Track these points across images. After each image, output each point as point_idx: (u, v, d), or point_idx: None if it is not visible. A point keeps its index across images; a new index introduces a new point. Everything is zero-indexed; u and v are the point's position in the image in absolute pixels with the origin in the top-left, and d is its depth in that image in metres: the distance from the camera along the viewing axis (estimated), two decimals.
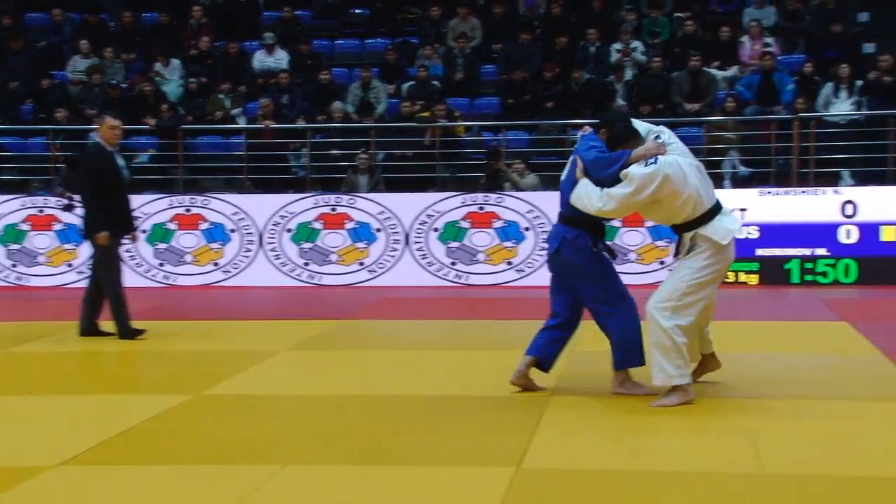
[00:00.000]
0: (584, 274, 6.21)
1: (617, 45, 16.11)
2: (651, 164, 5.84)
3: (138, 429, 5.72)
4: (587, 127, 6.50)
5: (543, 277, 12.09)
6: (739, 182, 14.62)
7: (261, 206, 13.17)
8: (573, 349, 7.91)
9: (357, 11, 18.28)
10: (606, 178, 5.94)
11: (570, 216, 6.24)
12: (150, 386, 7.14)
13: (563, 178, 6.34)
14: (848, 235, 11.56)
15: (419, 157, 14.92)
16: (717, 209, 6.02)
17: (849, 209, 11.57)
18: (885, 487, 4.53)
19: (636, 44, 16.11)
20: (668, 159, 5.88)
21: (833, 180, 14.01)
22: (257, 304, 11.73)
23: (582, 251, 6.19)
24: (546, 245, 6.64)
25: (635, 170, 5.86)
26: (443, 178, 14.83)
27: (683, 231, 6.03)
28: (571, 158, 6.31)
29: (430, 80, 15.79)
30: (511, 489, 4.54)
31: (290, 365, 7.82)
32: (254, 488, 4.60)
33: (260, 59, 16.33)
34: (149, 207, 13.02)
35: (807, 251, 11.60)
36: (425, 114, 15.08)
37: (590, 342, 8.24)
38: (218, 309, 11.19)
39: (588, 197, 5.98)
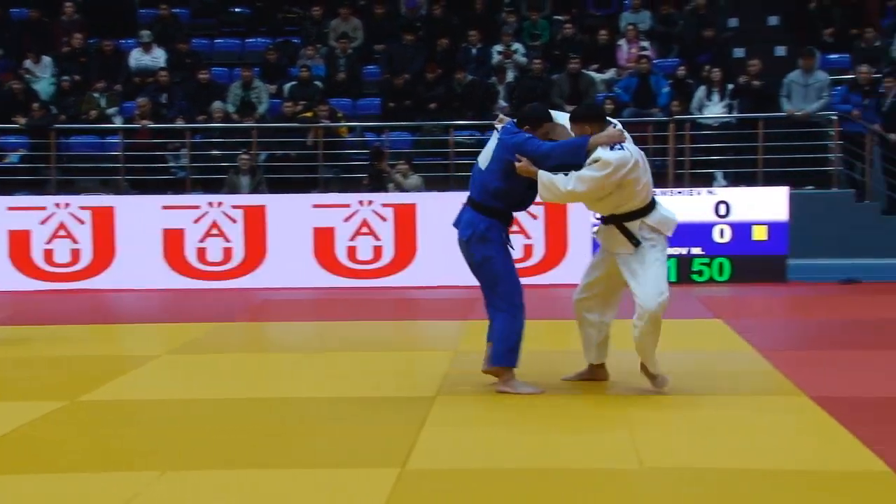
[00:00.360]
0: (491, 265, 6.21)
1: (498, 47, 16.26)
2: (618, 149, 5.91)
3: (11, 436, 5.54)
4: (503, 117, 6.52)
5: (418, 277, 12.20)
6: None
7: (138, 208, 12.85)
8: (457, 348, 7.97)
9: (237, 10, 18.05)
10: (567, 164, 5.97)
11: (484, 205, 6.26)
12: (23, 393, 6.89)
13: (479, 163, 6.34)
14: (722, 235, 11.88)
15: (302, 158, 14.81)
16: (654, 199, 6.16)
17: (722, 209, 11.89)
18: (759, 479, 4.67)
19: (517, 46, 16.29)
20: (631, 146, 5.99)
21: (707, 181, 14.39)
22: (136, 307, 11.47)
23: (493, 243, 6.23)
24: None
25: (607, 154, 5.91)
26: (326, 179, 14.74)
27: (627, 220, 6.08)
28: (490, 145, 6.30)
29: (312, 80, 15.69)
30: (395, 490, 4.53)
31: (169, 369, 7.67)
32: (133, 495, 4.50)
33: (136, 58, 15.99)
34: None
35: (683, 250, 11.89)
36: (308, 114, 14.97)
37: (472, 342, 8.30)
38: (93, 313, 10.89)
39: (553, 184, 5.99)
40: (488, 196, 6.27)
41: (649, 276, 6.05)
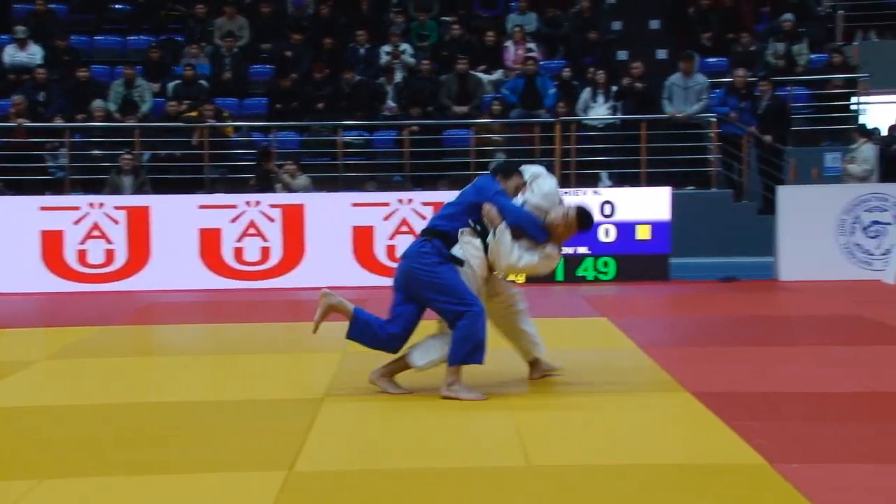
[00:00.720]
0: (437, 275, 6.25)
1: (386, 48, 16.26)
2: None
3: None
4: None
5: (307, 278, 12.09)
6: None
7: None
8: (345, 349, 7.94)
9: (118, 7, 17.67)
10: (522, 230, 6.22)
11: (430, 228, 6.41)
12: None
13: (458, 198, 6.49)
14: (607, 234, 12.09)
15: (187, 158, 14.57)
16: None
17: (607, 209, 12.10)
18: (642, 474, 4.77)
19: (405, 46, 16.31)
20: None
21: (593, 181, 14.64)
22: (14, 311, 11.12)
23: (430, 255, 6.27)
24: None
25: (554, 252, 6.32)
26: (212, 180, 14.53)
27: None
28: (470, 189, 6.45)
29: (196, 79, 15.45)
30: (282, 493, 4.50)
31: (48, 374, 7.46)
32: None
33: (11, 54, 15.53)
34: None
35: (569, 250, 12.06)
36: (192, 113, 14.74)
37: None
38: None
39: (507, 244, 6.18)
40: (438, 219, 6.43)
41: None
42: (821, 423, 5.58)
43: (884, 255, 11.91)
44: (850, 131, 14.43)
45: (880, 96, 18.62)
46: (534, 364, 6.71)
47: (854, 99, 16.50)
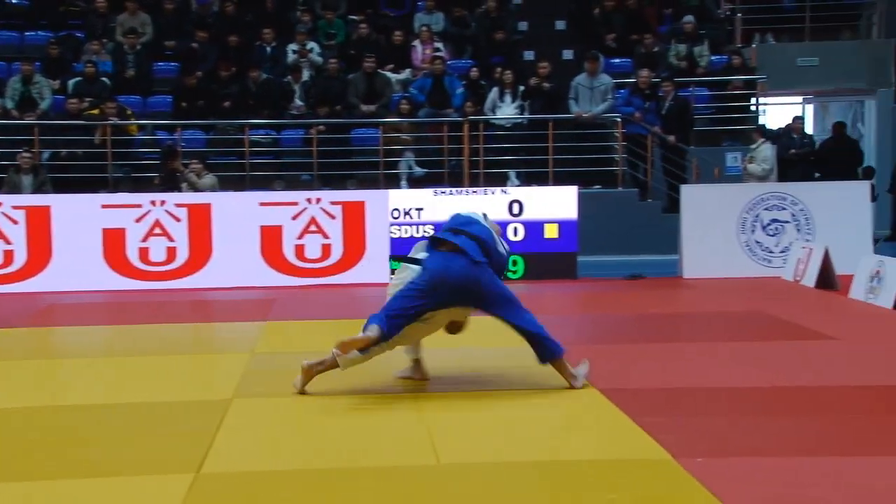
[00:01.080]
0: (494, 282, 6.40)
1: (293, 46, 16.14)
2: None
3: None
4: None
5: (214, 278, 11.94)
6: (415, 182, 15.08)
7: None
8: (253, 350, 7.86)
9: (14, 2, 17.23)
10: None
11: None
12: None
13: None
14: (515, 233, 12.18)
15: (89, 157, 14.27)
16: None
17: (515, 208, 12.19)
18: (551, 471, 4.81)
19: (312, 45, 16.21)
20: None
21: (501, 181, 14.74)
22: None
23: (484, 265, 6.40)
24: None
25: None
26: (115, 179, 14.26)
27: None
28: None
29: (98, 76, 15.15)
30: (189, 495, 4.44)
31: None
32: None
33: None
34: None
35: None
36: (94, 111, 14.45)
37: (269, 344, 8.22)
38: None
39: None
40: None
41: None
42: (724, 417, 5.70)
43: (783, 252, 12.23)
44: (750, 131, 14.77)
45: (777, 97, 19.13)
46: (416, 364, 6.70)
47: (753, 100, 16.92)
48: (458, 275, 6.14)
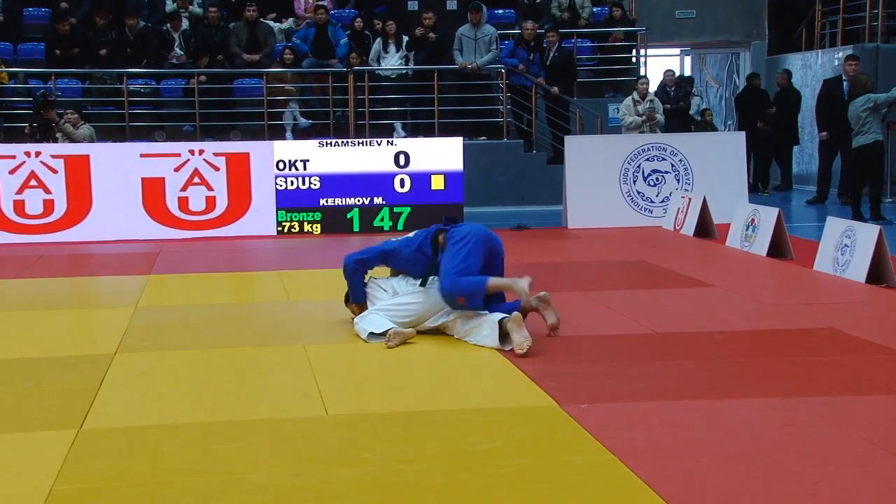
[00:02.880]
0: None
1: None
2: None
3: None
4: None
5: (94, 231, 11.68)
6: (300, 133, 14.94)
7: None
8: (137, 304, 7.74)
9: None
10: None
11: None
12: None
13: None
14: (402, 185, 12.18)
15: None
16: None
17: (402, 159, 12.19)
18: (437, 419, 4.88)
19: None
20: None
21: (387, 132, 14.70)
22: None
23: None
24: None
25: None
26: None
27: None
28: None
29: None
30: (72, 452, 4.37)
31: None
32: None
33: None
34: None
35: (366, 200, 12.10)
36: None
37: (153, 297, 8.09)
38: None
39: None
40: None
41: None
42: (607, 364, 5.84)
43: (663, 202, 12.52)
44: (640, 85, 15.01)
45: (657, 49, 19.47)
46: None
47: (633, 52, 17.18)
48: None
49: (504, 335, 6.13)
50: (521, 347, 5.96)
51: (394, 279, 6.79)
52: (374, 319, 6.45)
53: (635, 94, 14.39)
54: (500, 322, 6.14)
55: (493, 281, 6.38)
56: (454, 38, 15.29)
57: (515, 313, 6.17)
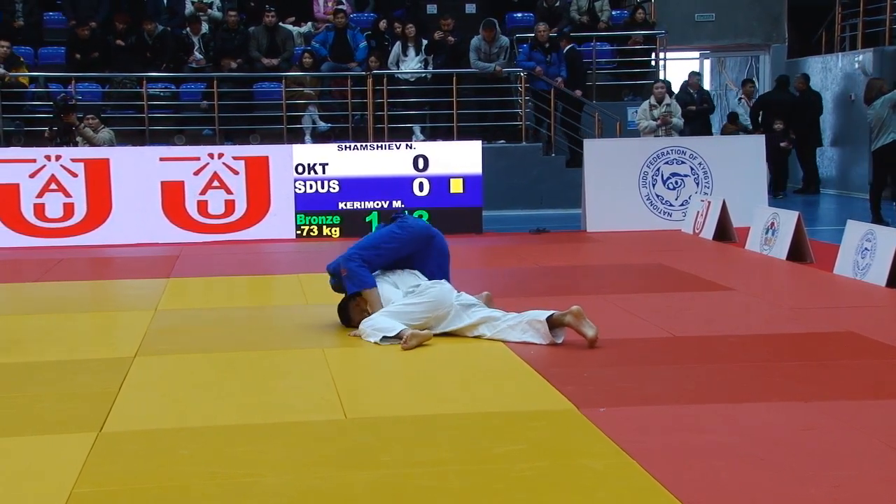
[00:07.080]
0: None
1: None
2: None
3: None
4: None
5: (114, 235, 11.73)
6: (319, 136, 14.98)
7: None
8: (156, 307, 7.77)
9: None
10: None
11: None
12: None
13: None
14: (421, 188, 12.19)
15: None
16: None
17: (420, 163, 12.19)
18: (456, 423, 4.87)
19: None
20: None
21: (406, 135, 14.72)
22: None
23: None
24: None
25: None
26: (6, 133, 13.86)
27: None
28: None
29: None
30: (92, 454, 4.39)
31: None
32: None
33: None
34: None
35: (384, 203, 12.11)
36: None
37: (172, 301, 8.12)
38: None
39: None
40: None
41: None
42: (626, 367, 5.83)
43: (682, 205, 12.48)
44: (661, 89, 14.96)
45: (677, 52, 19.42)
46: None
47: (653, 55, 17.15)
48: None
49: (553, 327, 6.28)
50: (594, 339, 6.19)
51: (397, 275, 6.83)
52: (383, 321, 6.44)
53: (652, 99, 14.36)
54: (551, 318, 6.31)
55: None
56: (470, 45, 15.28)
57: (576, 307, 6.34)
